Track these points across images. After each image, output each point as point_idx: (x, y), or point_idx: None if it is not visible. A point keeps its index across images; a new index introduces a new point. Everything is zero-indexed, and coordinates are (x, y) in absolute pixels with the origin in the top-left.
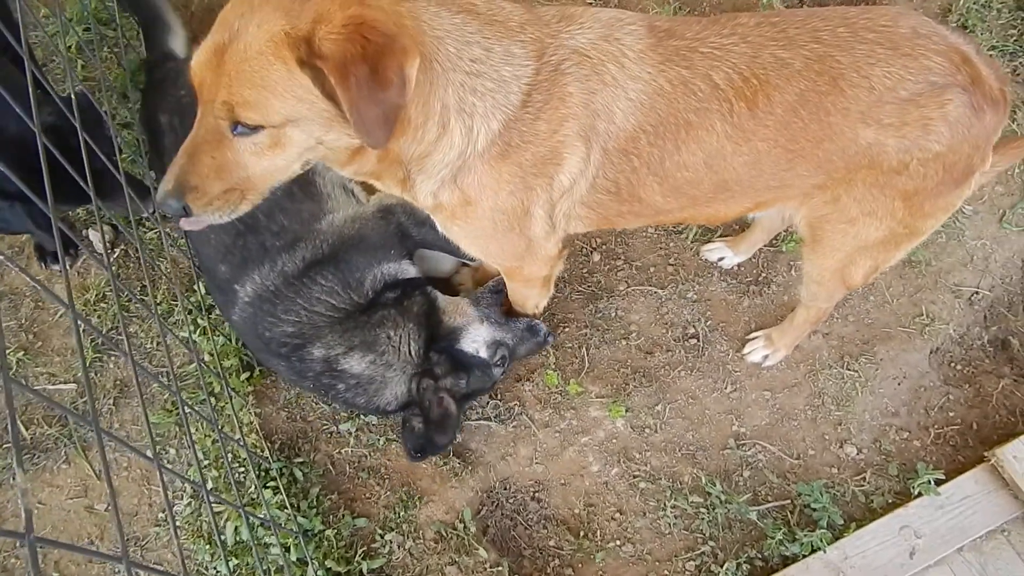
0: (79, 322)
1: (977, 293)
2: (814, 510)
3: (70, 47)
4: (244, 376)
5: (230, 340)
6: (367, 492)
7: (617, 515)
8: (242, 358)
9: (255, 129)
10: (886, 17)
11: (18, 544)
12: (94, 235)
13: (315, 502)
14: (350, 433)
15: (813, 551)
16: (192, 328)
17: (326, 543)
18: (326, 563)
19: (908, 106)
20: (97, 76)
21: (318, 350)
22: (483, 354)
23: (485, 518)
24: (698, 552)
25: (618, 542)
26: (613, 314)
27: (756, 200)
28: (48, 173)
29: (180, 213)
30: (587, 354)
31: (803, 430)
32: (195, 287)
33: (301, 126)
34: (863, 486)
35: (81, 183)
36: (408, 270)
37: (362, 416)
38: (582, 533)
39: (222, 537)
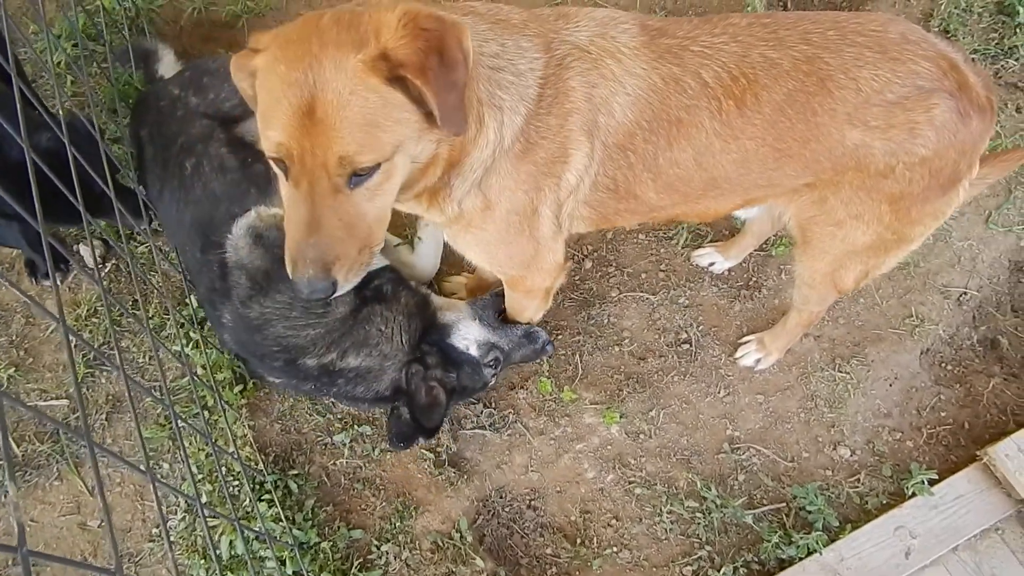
0: (71, 337)
1: (965, 293)
2: (809, 512)
3: (59, 63)
4: (237, 389)
5: (222, 353)
6: (362, 503)
7: (613, 521)
8: (235, 371)
9: (371, 172)
10: (876, 22)
11: (11, 562)
12: (85, 250)
13: (310, 514)
14: (344, 444)
15: (809, 553)
16: (184, 341)
17: (322, 555)
18: (322, 575)
19: (895, 109)
20: (86, 92)
21: (311, 360)
22: (473, 352)
23: (481, 527)
24: (695, 557)
25: (615, 548)
26: (606, 320)
27: (745, 197)
28: (38, 190)
29: (331, 292)
30: (580, 361)
31: (797, 433)
32: (187, 300)
33: (402, 149)
34: (857, 487)
35: (73, 201)
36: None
37: (356, 427)
38: (579, 540)
39: (217, 551)
